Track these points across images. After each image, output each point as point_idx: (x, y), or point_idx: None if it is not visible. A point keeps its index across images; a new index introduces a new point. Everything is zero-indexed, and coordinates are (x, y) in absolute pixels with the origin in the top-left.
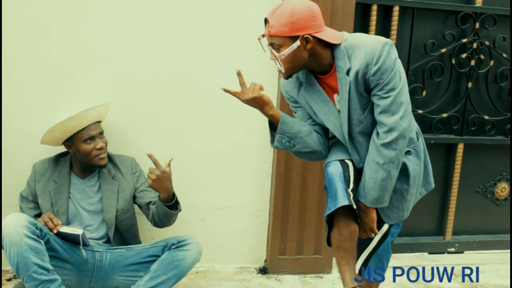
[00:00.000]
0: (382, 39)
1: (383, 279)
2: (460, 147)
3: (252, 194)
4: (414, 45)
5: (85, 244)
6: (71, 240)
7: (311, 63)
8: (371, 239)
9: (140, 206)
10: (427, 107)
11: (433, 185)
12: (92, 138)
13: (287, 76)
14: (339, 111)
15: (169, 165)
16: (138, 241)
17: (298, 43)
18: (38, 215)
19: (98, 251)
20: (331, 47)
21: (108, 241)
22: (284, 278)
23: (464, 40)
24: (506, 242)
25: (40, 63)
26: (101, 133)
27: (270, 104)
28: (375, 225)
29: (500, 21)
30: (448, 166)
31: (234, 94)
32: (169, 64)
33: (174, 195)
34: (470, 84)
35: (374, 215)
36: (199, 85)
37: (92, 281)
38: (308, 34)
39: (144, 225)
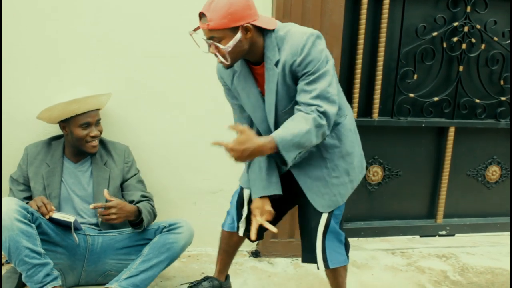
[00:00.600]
0: (309, 30)
1: (345, 261)
2: (451, 130)
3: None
4: (405, 29)
5: (76, 229)
6: (63, 225)
7: (249, 53)
8: (315, 233)
9: (125, 201)
10: (418, 90)
11: (365, 171)
12: (88, 124)
13: (229, 67)
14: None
15: (109, 196)
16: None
17: (239, 34)
18: (28, 198)
19: (90, 235)
20: (264, 36)
21: (97, 227)
22: (276, 261)
23: (456, 24)
24: (497, 225)
25: (31, 48)
26: (98, 121)
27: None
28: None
29: (491, 5)
30: (439, 149)
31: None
32: (164, 49)
33: (140, 214)
34: (461, 68)
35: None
36: (192, 69)
37: (85, 265)
38: (247, 23)
39: None
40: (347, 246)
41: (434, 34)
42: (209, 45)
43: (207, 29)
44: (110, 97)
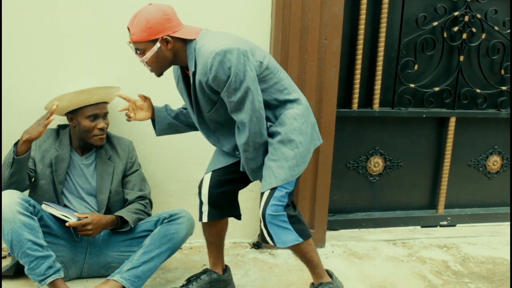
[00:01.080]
0: (215, 49)
1: (296, 240)
2: (452, 120)
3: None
4: (405, 19)
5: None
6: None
7: (176, 60)
8: (260, 213)
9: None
10: (419, 81)
11: (321, 141)
12: (96, 116)
13: (159, 74)
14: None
15: (81, 215)
16: None
17: (158, 45)
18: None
19: None
20: (185, 45)
21: None
22: (277, 252)
23: (456, 13)
24: (498, 215)
25: (38, 40)
26: (106, 114)
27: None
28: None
29: None
30: (440, 139)
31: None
32: None
33: (119, 223)
34: (462, 58)
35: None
36: None
37: (87, 257)
38: (167, 35)
39: None
40: (297, 224)
41: (435, 24)
42: (138, 56)
43: (132, 42)
44: (119, 91)
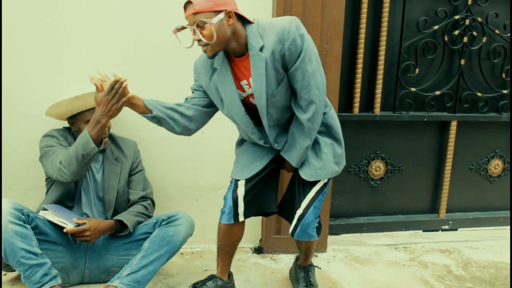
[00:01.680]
0: (289, 17)
1: (313, 237)
2: (453, 124)
3: None
4: (406, 22)
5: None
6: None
7: (231, 42)
8: (299, 205)
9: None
10: (420, 84)
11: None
12: None
13: (212, 54)
14: (242, 100)
15: (79, 220)
16: None
17: (221, 16)
18: None
19: None
20: (245, 27)
21: None
22: (279, 257)
23: (457, 17)
24: (500, 218)
25: (40, 43)
26: None
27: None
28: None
29: None
30: (441, 143)
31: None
32: (169, 44)
33: (118, 227)
34: (463, 61)
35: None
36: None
37: (87, 262)
38: (230, 9)
39: None
40: (319, 227)
41: (436, 27)
42: (194, 32)
43: (193, 13)
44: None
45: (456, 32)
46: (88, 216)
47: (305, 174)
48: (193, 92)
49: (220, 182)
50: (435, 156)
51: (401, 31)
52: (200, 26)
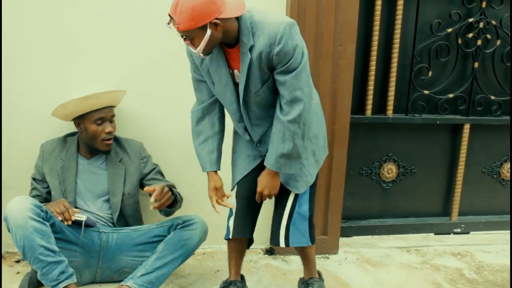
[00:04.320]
0: (285, 19)
1: (307, 243)
2: (466, 127)
3: None
4: (420, 25)
5: (91, 226)
6: (75, 223)
7: (223, 39)
8: (283, 212)
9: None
10: (433, 87)
11: (327, 151)
12: (102, 120)
13: (208, 54)
14: (237, 84)
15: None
16: (141, 225)
17: (208, 32)
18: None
19: (104, 232)
20: (237, 19)
21: (112, 225)
22: (290, 258)
23: (471, 20)
24: None
25: (46, 45)
26: (112, 117)
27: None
28: (273, 191)
29: (507, 0)
30: (454, 146)
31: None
32: (177, 45)
33: (173, 194)
34: (476, 64)
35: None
36: None
37: (100, 262)
38: (215, 19)
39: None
40: (311, 227)
41: (449, 30)
42: (184, 40)
43: (177, 30)
44: (125, 94)
45: (470, 35)
46: (93, 215)
47: (296, 188)
48: (196, 88)
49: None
50: (447, 159)
51: (414, 33)
52: (188, 39)
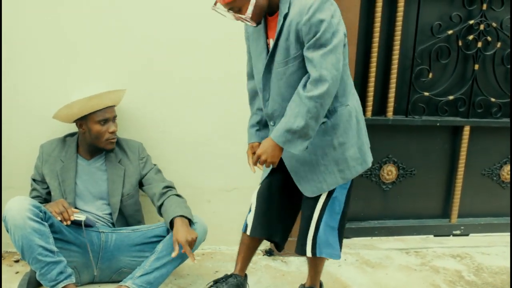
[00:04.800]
0: None
1: (337, 256)
2: (466, 129)
3: (258, 176)
4: (420, 27)
5: (90, 226)
6: (75, 223)
7: (268, 7)
8: (310, 222)
9: (148, 195)
10: (433, 89)
11: (369, 164)
12: (106, 120)
13: (257, 24)
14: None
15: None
16: (140, 225)
17: None
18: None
19: (103, 232)
20: None
21: (111, 225)
22: (290, 259)
23: (471, 22)
24: None
25: (46, 45)
26: (115, 117)
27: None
28: (270, 160)
29: (507, 2)
30: (454, 148)
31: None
32: (177, 46)
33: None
34: (476, 66)
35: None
36: (206, 67)
37: (99, 262)
38: None
39: (149, 207)
40: (341, 241)
41: (450, 32)
42: (232, 15)
43: (224, 3)
44: (124, 94)
45: (471, 37)
46: (93, 215)
47: (306, 190)
48: (248, 56)
49: (232, 183)
50: (447, 161)
51: (415, 35)
52: (236, 11)
